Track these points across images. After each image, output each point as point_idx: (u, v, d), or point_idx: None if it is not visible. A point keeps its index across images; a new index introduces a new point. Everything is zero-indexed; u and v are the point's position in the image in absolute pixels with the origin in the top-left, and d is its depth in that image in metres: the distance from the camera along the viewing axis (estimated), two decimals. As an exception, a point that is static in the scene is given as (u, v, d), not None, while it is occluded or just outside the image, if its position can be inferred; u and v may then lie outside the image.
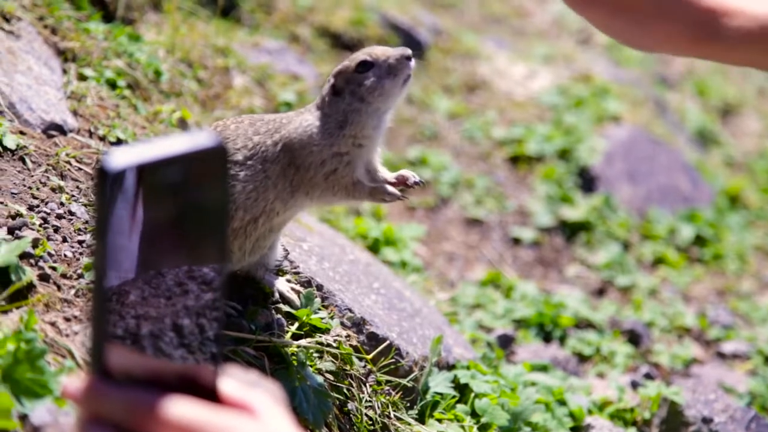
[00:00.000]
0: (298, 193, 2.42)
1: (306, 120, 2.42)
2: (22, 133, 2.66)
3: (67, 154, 2.67)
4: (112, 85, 3.07)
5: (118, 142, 2.85)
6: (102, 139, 2.84)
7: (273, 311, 2.53)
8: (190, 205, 1.23)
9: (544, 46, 5.03)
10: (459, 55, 4.71)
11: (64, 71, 2.97)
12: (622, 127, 4.49)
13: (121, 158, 1.16)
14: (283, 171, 2.41)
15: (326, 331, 2.55)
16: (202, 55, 3.54)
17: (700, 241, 4.21)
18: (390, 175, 2.51)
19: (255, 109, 3.55)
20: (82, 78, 3.00)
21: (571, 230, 4.10)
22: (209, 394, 1.27)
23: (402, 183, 2.49)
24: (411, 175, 2.50)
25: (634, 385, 3.29)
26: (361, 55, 2.38)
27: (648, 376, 3.39)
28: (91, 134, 2.83)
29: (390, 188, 2.43)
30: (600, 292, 3.93)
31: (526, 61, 4.83)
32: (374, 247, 3.50)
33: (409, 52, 2.37)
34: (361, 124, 2.39)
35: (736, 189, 4.48)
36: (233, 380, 1.31)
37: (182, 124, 3.17)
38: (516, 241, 4.00)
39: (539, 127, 4.40)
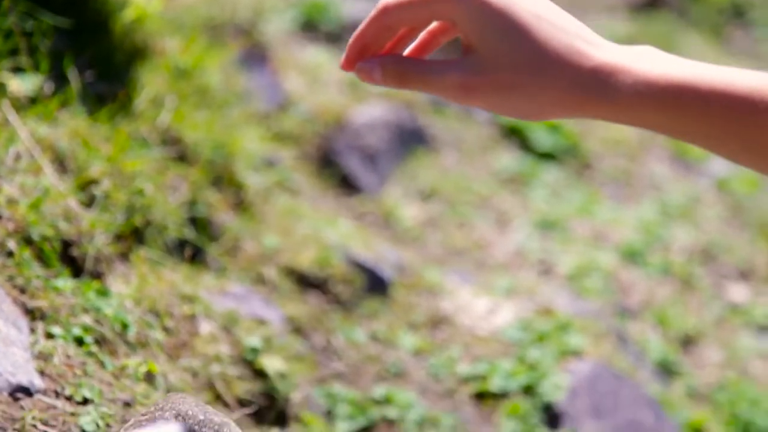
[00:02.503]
0: None
1: None
2: (-12, 397, 2.68)
3: (33, 417, 2.69)
4: (80, 341, 3.10)
5: (85, 401, 2.87)
6: (68, 398, 2.85)
7: None
8: None
9: (506, 278, 5.12)
10: (422, 291, 4.78)
11: (32, 330, 3.01)
12: (585, 361, 4.53)
13: None
14: None
15: None
16: (169, 304, 3.59)
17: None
18: None
19: (221, 356, 3.58)
20: (49, 336, 3.03)
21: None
22: None
23: None
24: None
25: None
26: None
27: None
28: (57, 394, 2.85)
29: None
30: None
31: (489, 294, 4.90)
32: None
33: None
34: None
35: (699, 422, 4.52)
36: None
37: (149, 378, 3.19)
38: (483, 480, 4.00)
39: (503, 362, 4.44)
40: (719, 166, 7.01)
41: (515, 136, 6.46)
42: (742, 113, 1.45)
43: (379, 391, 4.17)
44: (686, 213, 6.44)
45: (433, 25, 1.64)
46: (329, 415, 3.98)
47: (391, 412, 4.09)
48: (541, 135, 6.48)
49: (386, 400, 4.15)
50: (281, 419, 3.72)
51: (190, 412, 2.42)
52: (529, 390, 4.34)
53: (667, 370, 4.97)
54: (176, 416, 2.39)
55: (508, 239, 5.57)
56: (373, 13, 1.56)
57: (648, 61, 1.49)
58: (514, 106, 1.51)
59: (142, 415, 2.47)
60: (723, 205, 6.66)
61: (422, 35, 1.64)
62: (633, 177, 6.72)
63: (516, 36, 1.50)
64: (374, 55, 1.57)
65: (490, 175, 6.10)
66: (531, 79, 1.48)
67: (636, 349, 4.96)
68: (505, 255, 5.44)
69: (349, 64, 1.60)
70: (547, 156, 6.45)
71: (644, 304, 5.40)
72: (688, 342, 5.22)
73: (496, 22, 1.51)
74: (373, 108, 5.68)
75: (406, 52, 1.62)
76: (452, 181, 5.81)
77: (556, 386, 4.36)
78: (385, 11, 1.55)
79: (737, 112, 1.45)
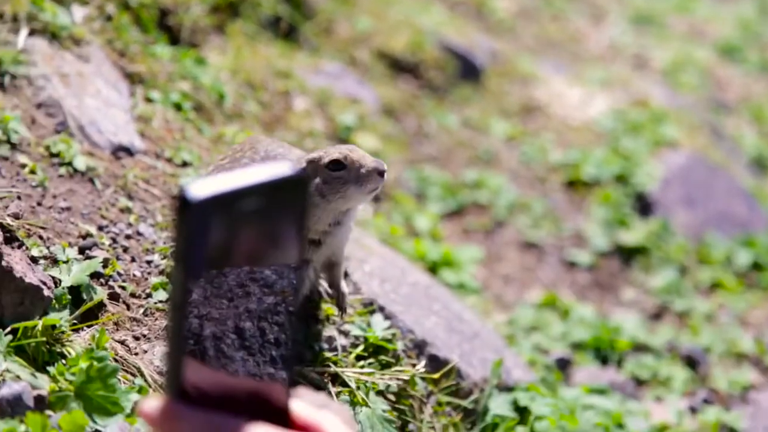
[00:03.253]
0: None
1: None
2: (91, 154, 2.71)
3: (134, 176, 2.72)
4: (178, 107, 3.12)
5: (184, 164, 2.90)
6: (168, 160, 2.89)
7: (336, 332, 2.56)
8: (268, 234, 1.26)
9: (600, 70, 5.05)
10: (515, 79, 4.73)
11: (132, 94, 3.03)
12: (679, 152, 4.48)
13: (201, 189, 1.18)
14: None
15: (390, 352, 2.57)
16: (264, 78, 3.59)
17: (757, 266, 4.20)
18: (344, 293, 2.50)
19: (315, 131, 3.59)
20: (149, 100, 3.05)
21: (627, 254, 4.10)
22: (281, 415, 1.29)
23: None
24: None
25: (693, 410, 3.29)
26: (336, 152, 2.30)
27: (706, 401, 3.39)
28: (157, 156, 2.88)
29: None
30: (657, 317, 3.92)
31: (582, 85, 4.84)
32: (433, 269, 3.52)
33: (384, 167, 2.29)
34: (316, 218, 2.34)
35: (793, 215, 4.47)
36: (303, 402, 1.32)
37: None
38: (572, 265, 4.01)
39: (596, 151, 4.41)
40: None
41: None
42: None
43: (470, 175, 4.17)
44: (787, 13, 6.25)
45: None
46: (421, 197, 4.00)
47: (482, 196, 4.10)
48: (639, -71, 6.29)
49: (477, 184, 4.15)
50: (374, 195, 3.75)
51: (269, 149, 2.44)
52: (621, 178, 4.31)
53: (761, 165, 4.91)
54: (257, 157, 2.41)
55: (603, 33, 5.47)
56: None
57: None
58: None
59: (222, 159, 2.49)
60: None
61: None
62: (733, -25, 6.53)
63: None
64: None
65: (585, -31, 5.95)
66: None
67: (731, 143, 4.90)
68: (600, 48, 5.35)
69: None
70: (645, -50, 6.27)
71: (740, 99, 5.30)
72: (784, 138, 5.14)
73: None
74: None
75: None
76: (547, -26, 5.68)
77: (649, 175, 4.33)
78: None
79: None
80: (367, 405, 2.41)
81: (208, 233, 1.22)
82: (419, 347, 2.67)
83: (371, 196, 2.35)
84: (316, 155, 2.32)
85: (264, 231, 1.26)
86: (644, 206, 4.27)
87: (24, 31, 2.83)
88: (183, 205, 1.18)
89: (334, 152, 2.31)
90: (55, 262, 2.34)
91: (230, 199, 1.21)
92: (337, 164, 2.29)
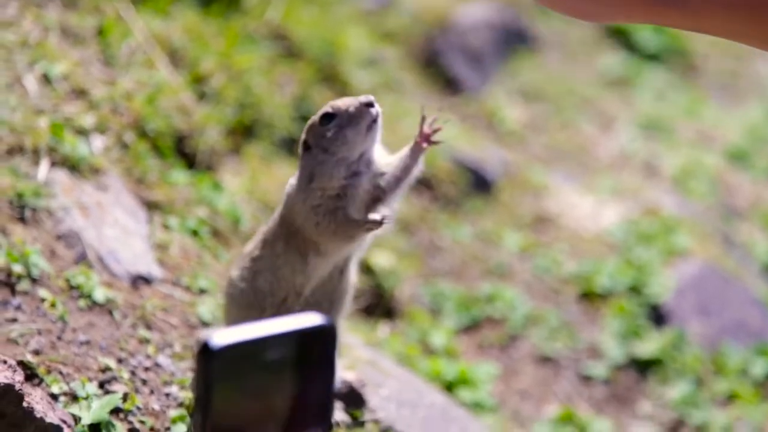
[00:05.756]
0: (309, 257, 2.42)
1: (290, 184, 2.43)
2: (109, 285, 2.74)
3: (153, 305, 2.75)
4: (195, 233, 3.15)
5: (201, 291, 2.92)
6: (186, 288, 2.91)
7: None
8: (292, 385, 1.27)
9: (611, 179, 5.09)
10: (527, 190, 4.77)
11: (149, 221, 3.06)
12: (692, 262, 4.50)
13: (224, 336, 1.20)
14: (287, 242, 2.43)
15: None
16: (279, 198, 3.62)
17: (773, 377, 4.20)
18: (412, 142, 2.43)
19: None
20: (166, 228, 3.09)
21: (643, 366, 4.10)
22: None
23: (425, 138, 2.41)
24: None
25: None
26: (325, 107, 2.35)
27: None
28: (174, 284, 2.91)
29: (375, 216, 2.32)
30: (673, 430, 3.91)
31: (593, 194, 4.88)
32: (450, 387, 3.53)
33: (371, 98, 2.31)
34: (328, 175, 2.34)
35: (808, 324, 4.47)
36: None
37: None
38: (588, 378, 4.01)
39: (609, 262, 4.42)
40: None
41: (619, 36, 6.36)
42: None
43: (484, 288, 4.19)
44: (794, 116, 6.30)
45: None
46: (435, 312, 4.02)
47: (497, 310, 4.11)
48: (646, 35, 6.37)
49: (491, 298, 4.16)
50: (389, 314, 3.77)
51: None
52: (634, 289, 4.33)
53: (774, 273, 4.92)
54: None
55: (613, 141, 5.52)
56: None
57: None
58: (582, 7, 1.44)
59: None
60: (832, 108, 6.51)
61: None
62: (740, 79, 6.60)
63: None
64: None
65: (593, 77, 6.02)
66: None
67: (742, 251, 4.91)
68: (610, 156, 5.40)
69: None
70: (653, 57, 6.35)
71: (751, 206, 5.33)
72: (795, 244, 5.15)
73: None
74: (477, 8, 5.62)
75: None
76: (555, 83, 5.75)
77: (663, 286, 4.34)
78: None
79: None
80: None
81: (229, 380, 1.23)
82: (438, 475, 2.67)
83: (372, 131, 2.33)
84: (310, 121, 2.35)
85: (289, 385, 1.26)
86: (658, 317, 4.27)
87: (44, 164, 2.87)
88: (204, 351, 1.20)
89: (323, 108, 2.35)
90: (74, 398, 2.35)
91: (252, 347, 1.23)
92: (328, 117, 2.32)
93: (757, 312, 4.45)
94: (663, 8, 1.39)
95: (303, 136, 2.37)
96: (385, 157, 2.40)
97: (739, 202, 5.37)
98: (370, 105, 2.30)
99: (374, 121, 2.32)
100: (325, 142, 2.33)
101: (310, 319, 1.25)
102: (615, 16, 1.42)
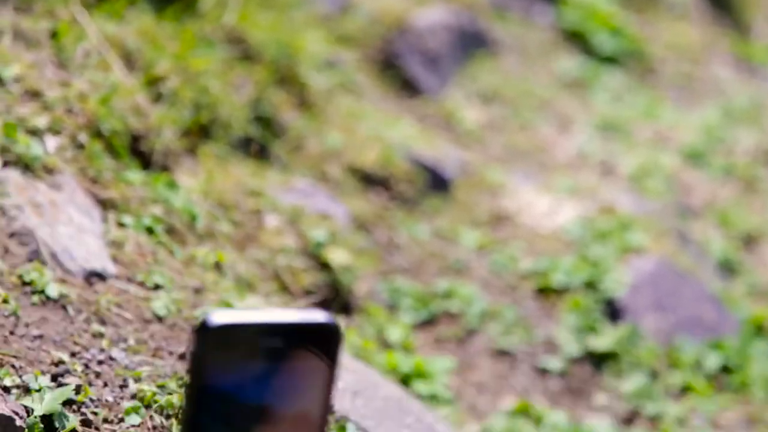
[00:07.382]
0: None
1: None
2: (63, 281, 2.78)
3: (107, 301, 2.79)
4: (150, 231, 3.19)
5: (156, 287, 2.96)
6: (141, 284, 2.95)
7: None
8: (288, 386, 1.26)
9: (568, 178, 5.15)
10: (484, 189, 4.83)
11: (104, 220, 3.10)
12: (647, 258, 4.57)
13: (222, 317, 1.20)
14: None
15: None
16: (236, 198, 3.67)
17: (726, 369, 4.26)
18: None
19: (287, 248, 3.66)
20: (121, 225, 3.12)
21: (598, 360, 4.16)
22: None
23: None
24: None
25: None
26: None
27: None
28: (129, 280, 2.95)
29: None
30: (628, 421, 3.97)
31: (551, 193, 4.94)
32: (405, 381, 3.57)
33: None
34: None
35: (760, 318, 4.54)
36: None
37: (217, 267, 3.28)
38: (544, 371, 4.06)
39: (565, 259, 4.48)
40: (785, 69, 6.94)
41: (577, 40, 6.44)
42: None
43: (441, 285, 4.24)
44: (750, 116, 6.40)
45: None
46: (392, 308, 4.07)
47: (454, 306, 4.16)
48: (603, 39, 6.45)
49: (448, 294, 4.22)
50: (346, 309, 3.81)
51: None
52: (590, 285, 4.39)
53: (728, 269, 4.99)
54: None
55: (570, 141, 5.59)
56: None
57: None
58: None
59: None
60: (788, 107, 6.60)
61: None
62: (696, 81, 6.68)
63: None
64: None
65: (551, 79, 6.09)
66: None
67: (697, 248, 4.98)
68: (567, 157, 5.46)
69: None
70: (610, 60, 6.42)
71: (706, 204, 5.41)
72: (749, 241, 5.22)
73: None
74: (435, 11, 5.69)
75: None
76: (513, 85, 5.81)
77: (618, 282, 4.40)
78: None
79: None
80: None
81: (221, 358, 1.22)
82: (389, 463, 2.72)
83: None
84: None
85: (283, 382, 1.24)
86: (614, 312, 4.34)
87: (-3, 163, 2.91)
88: (201, 329, 1.19)
89: None
90: (27, 390, 2.39)
91: (249, 332, 1.22)
92: None
93: (711, 307, 4.52)
94: None
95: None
96: None
97: (695, 200, 5.44)
98: None
99: None
100: None
101: (315, 316, 1.23)
102: None
